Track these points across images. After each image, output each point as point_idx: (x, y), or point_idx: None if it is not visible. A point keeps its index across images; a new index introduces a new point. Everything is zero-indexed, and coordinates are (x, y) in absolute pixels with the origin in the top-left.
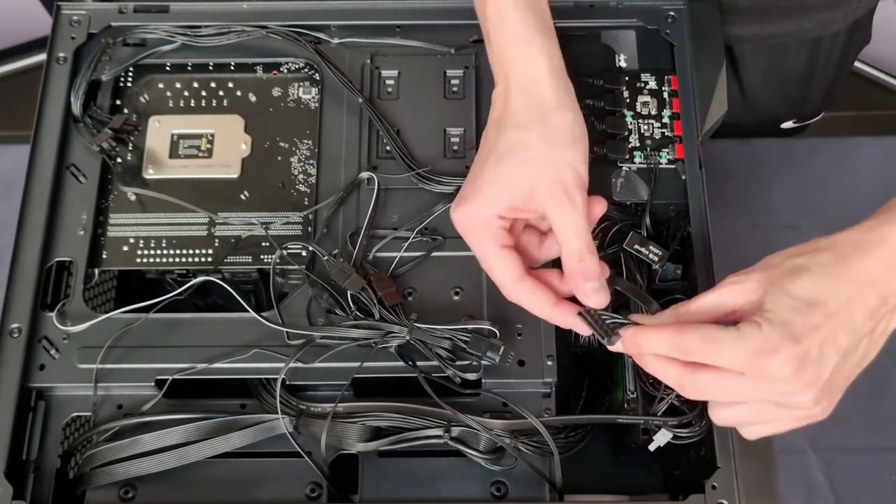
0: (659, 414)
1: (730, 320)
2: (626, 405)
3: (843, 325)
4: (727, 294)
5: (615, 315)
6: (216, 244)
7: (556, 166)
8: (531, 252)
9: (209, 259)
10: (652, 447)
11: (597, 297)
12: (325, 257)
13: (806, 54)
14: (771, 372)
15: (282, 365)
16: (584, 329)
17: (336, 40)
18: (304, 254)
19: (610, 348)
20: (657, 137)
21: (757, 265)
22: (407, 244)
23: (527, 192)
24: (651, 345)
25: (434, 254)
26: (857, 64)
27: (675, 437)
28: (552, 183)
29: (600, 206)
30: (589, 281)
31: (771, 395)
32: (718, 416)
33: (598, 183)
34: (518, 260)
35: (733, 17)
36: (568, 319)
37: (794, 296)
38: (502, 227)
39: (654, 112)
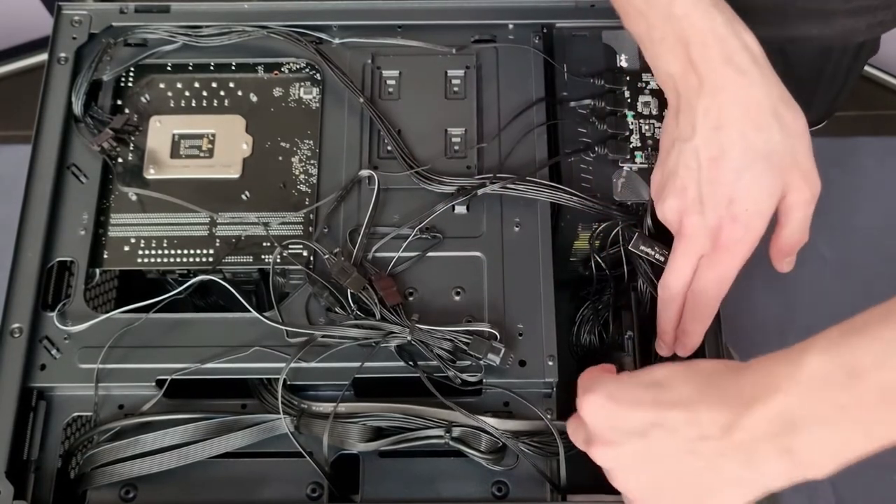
0: None
1: None
2: None
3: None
4: None
5: None
6: (217, 244)
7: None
8: None
9: (210, 259)
10: None
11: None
12: (326, 256)
13: (816, 62)
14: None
15: (282, 365)
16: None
17: (337, 40)
18: (304, 253)
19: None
20: (658, 137)
21: None
22: (406, 243)
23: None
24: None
25: (435, 254)
26: None
27: None
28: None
29: None
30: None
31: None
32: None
33: (600, 183)
34: None
35: (748, 17)
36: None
37: None
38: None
39: (655, 112)
